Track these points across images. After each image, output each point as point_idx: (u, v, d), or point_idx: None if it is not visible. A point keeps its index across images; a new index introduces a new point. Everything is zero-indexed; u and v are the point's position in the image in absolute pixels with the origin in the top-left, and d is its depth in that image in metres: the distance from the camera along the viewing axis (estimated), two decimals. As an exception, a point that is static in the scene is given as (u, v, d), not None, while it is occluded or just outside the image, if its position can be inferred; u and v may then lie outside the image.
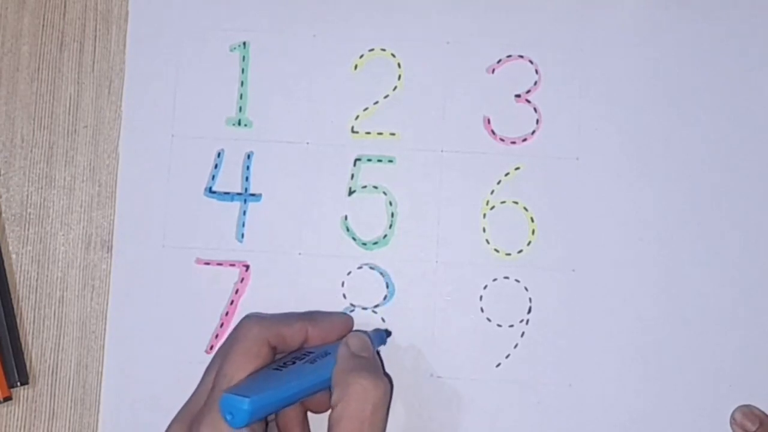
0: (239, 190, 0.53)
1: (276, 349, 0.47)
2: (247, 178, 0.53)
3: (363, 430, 0.44)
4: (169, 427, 0.46)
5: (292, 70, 0.54)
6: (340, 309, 0.52)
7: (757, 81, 0.54)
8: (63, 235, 0.53)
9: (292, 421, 0.49)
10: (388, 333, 0.52)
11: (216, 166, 0.53)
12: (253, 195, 0.53)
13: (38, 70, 0.54)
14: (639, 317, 0.52)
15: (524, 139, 0.54)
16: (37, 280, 0.53)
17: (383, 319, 0.52)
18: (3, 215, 0.53)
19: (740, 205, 0.53)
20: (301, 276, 0.52)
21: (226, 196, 0.53)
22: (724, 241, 0.53)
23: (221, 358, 0.46)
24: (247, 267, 0.53)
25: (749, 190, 0.53)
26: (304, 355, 0.47)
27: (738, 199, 0.53)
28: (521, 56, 0.54)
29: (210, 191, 0.53)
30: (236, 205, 0.53)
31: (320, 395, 0.47)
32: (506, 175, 0.53)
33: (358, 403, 0.45)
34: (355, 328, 0.51)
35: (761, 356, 0.52)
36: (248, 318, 0.48)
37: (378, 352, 0.51)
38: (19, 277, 0.53)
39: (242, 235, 0.53)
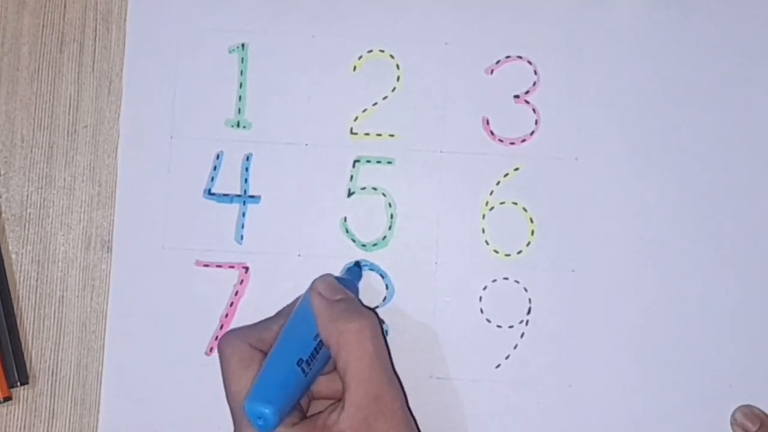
0: (238, 192, 0.53)
1: (263, 353, 0.47)
2: (246, 180, 0.53)
3: (373, 366, 0.45)
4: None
5: (291, 72, 0.54)
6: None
7: (757, 81, 0.54)
8: (63, 235, 0.53)
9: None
10: (358, 265, 0.52)
11: (215, 168, 0.53)
12: (252, 197, 0.53)
13: (38, 70, 0.54)
14: (639, 317, 0.52)
15: (523, 140, 0.54)
16: (37, 280, 0.53)
17: (383, 320, 0.52)
18: (3, 215, 0.53)
19: (740, 204, 0.53)
20: (300, 277, 0.52)
21: (226, 197, 0.53)
22: (723, 241, 0.53)
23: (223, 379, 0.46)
24: (247, 269, 0.53)
25: (749, 190, 0.53)
26: None
27: (738, 198, 0.53)
28: (520, 57, 0.54)
29: (209, 193, 0.53)
30: (235, 207, 0.53)
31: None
32: (505, 175, 0.53)
33: (356, 345, 0.45)
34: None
35: (761, 356, 0.52)
36: (225, 335, 0.48)
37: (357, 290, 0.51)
38: (19, 277, 0.53)
39: (241, 237, 0.53)
